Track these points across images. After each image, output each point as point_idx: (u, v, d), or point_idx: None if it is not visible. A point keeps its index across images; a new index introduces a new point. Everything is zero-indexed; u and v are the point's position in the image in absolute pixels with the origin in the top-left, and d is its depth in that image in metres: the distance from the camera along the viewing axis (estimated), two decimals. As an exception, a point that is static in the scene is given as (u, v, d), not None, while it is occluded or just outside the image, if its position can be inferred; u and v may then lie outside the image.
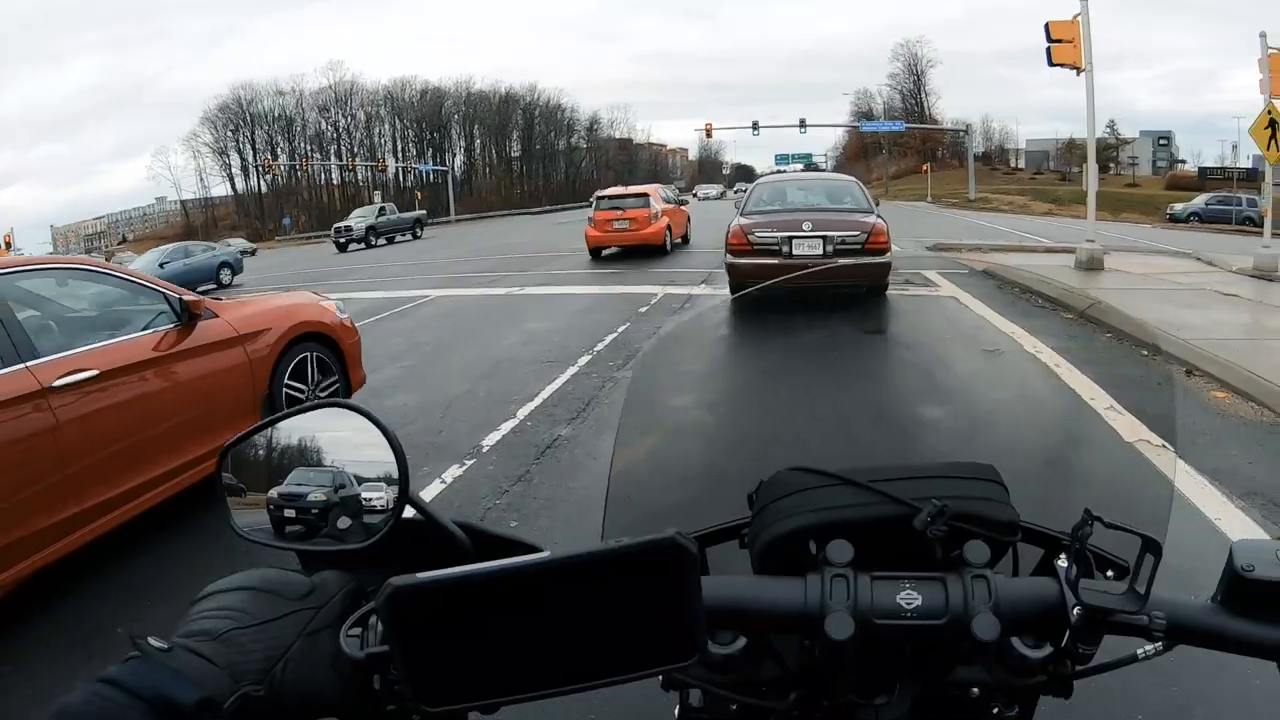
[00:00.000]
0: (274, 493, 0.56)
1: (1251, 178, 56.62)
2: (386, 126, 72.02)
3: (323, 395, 4.10)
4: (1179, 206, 35.03)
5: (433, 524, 0.56)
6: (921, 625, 0.51)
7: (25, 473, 2.59)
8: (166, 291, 3.45)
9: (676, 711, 0.63)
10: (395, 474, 0.54)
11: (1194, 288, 8.50)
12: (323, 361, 4.09)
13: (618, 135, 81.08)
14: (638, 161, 79.24)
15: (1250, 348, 5.52)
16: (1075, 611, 0.51)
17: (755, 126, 46.31)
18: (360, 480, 0.55)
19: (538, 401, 5.09)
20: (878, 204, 9.05)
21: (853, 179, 9.81)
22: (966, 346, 5.03)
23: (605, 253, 14.42)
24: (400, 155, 69.53)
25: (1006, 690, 0.58)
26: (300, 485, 0.56)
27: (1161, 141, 64.89)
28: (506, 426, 4.59)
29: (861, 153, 74.41)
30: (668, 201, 16.19)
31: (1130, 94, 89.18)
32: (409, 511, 0.56)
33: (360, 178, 66.20)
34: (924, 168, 58.71)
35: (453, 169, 67.70)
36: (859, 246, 7.50)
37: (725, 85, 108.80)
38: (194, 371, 3.33)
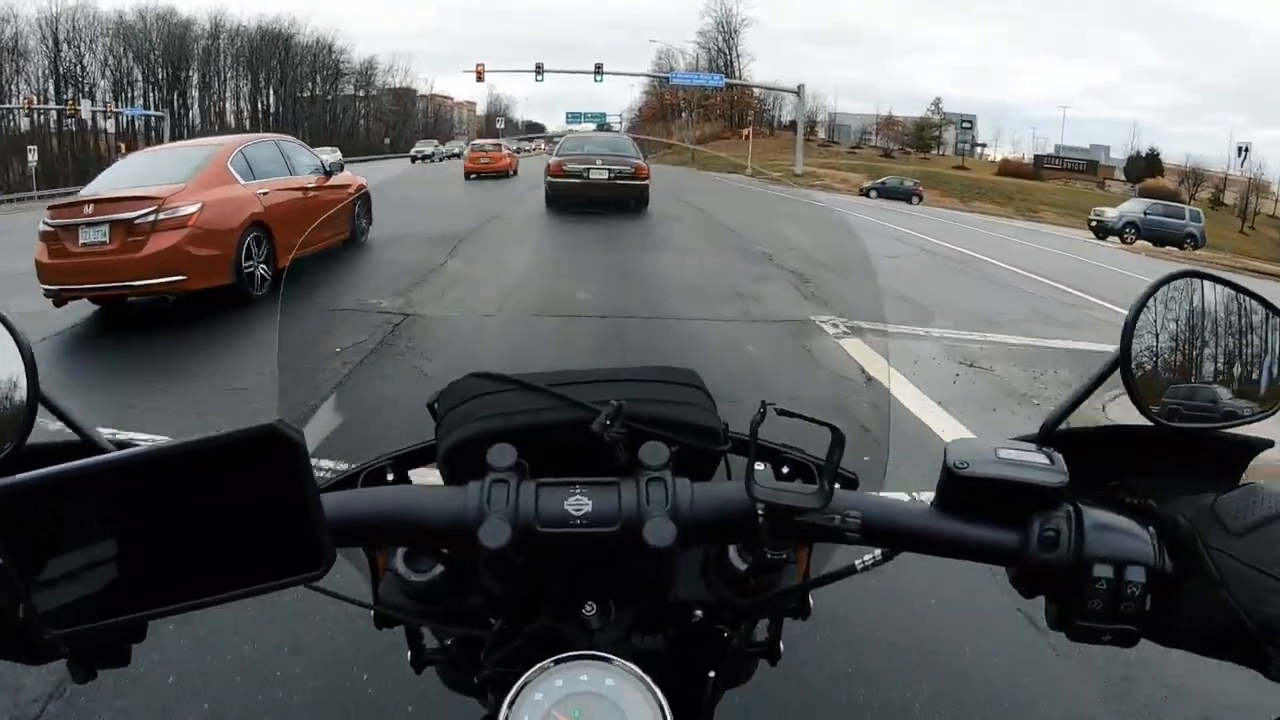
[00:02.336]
0: None
1: (1093, 169, 56.94)
2: (112, 61, 60.42)
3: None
4: (1111, 213, 27.77)
5: (81, 436, 0.53)
6: (592, 533, 0.49)
7: (295, 215, 6.74)
8: (320, 160, 7.63)
9: (409, 656, 0.63)
10: (26, 381, 0.51)
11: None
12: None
13: (397, 84, 75.26)
14: (411, 114, 75.42)
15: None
16: (760, 513, 0.48)
17: (539, 70, 42.23)
18: None
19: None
20: (647, 157, 14.72)
21: (628, 138, 15.12)
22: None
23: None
24: (129, 98, 59.65)
25: (733, 610, 0.57)
26: None
27: (965, 125, 65.23)
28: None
29: (661, 114, 70.63)
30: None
31: (923, 82, 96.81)
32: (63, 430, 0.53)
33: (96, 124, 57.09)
34: (745, 133, 55.13)
35: (174, 113, 59.27)
36: (631, 174, 12.67)
37: (520, 40, 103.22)
38: (327, 194, 7.52)
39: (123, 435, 0.55)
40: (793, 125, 65.81)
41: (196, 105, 64.30)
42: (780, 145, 54.75)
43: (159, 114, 55.97)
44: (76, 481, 0.38)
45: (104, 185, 6.52)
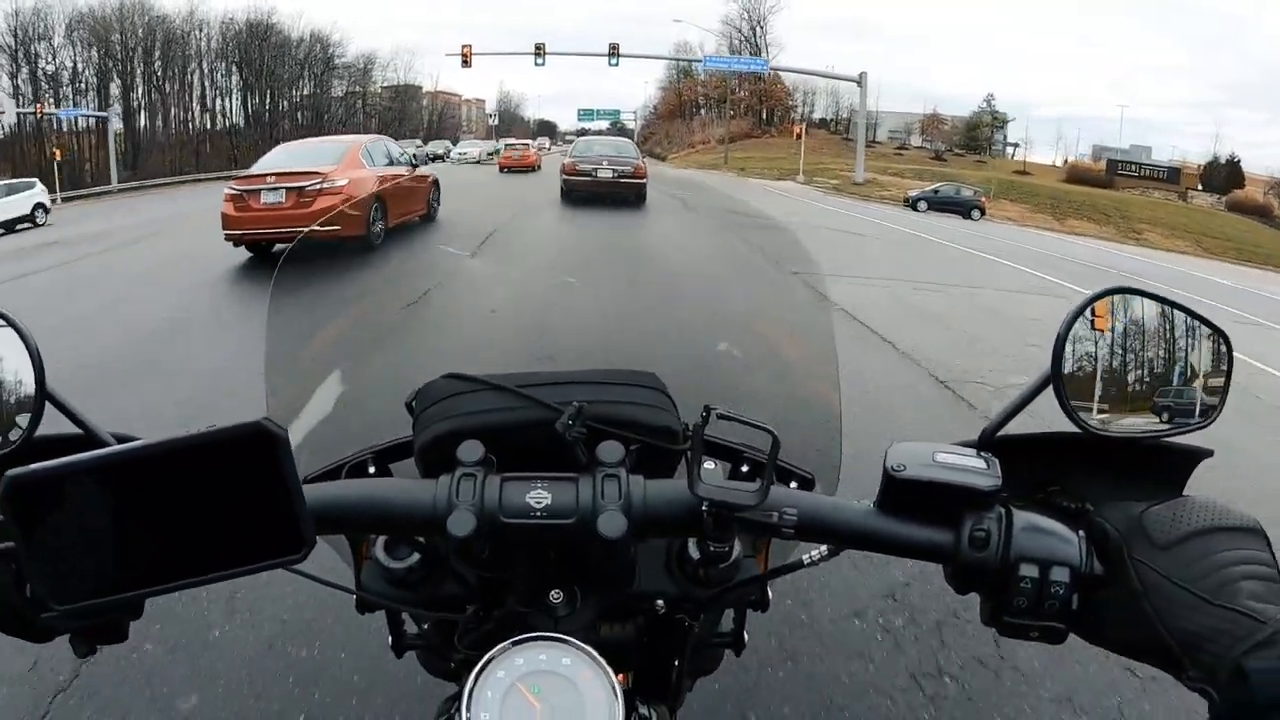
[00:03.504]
0: None
1: (1174, 178, 49.19)
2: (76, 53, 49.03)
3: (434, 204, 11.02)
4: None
5: (85, 430, 0.57)
6: (551, 524, 0.53)
7: (403, 196, 9.57)
8: (409, 157, 10.51)
9: (389, 640, 0.67)
10: (34, 378, 0.55)
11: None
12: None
13: (400, 81, 67.63)
14: (410, 111, 67.86)
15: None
16: (705, 510, 0.53)
17: (539, 52, 37.66)
18: (6, 386, 0.55)
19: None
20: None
21: (630, 141, 18.05)
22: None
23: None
24: (76, 97, 48.82)
25: (692, 601, 0.61)
26: None
27: (953, 123, 60.21)
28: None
29: (680, 111, 65.73)
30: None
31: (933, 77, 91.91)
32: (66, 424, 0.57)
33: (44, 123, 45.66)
34: (796, 131, 45.53)
35: (128, 114, 50.47)
36: (631, 174, 15.49)
37: (526, 30, 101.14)
38: (415, 182, 10.27)
39: (121, 430, 0.58)
40: (824, 124, 60.51)
41: (162, 102, 52.72)
42: (817, 145, 49.15)
43: (102, 114, 46.74)
44: (84, 472, 0.42)
45: (268, 165, 9.49)
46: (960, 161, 53.41)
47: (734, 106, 59.60)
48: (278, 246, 8.99)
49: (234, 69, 55.37)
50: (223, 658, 2.17)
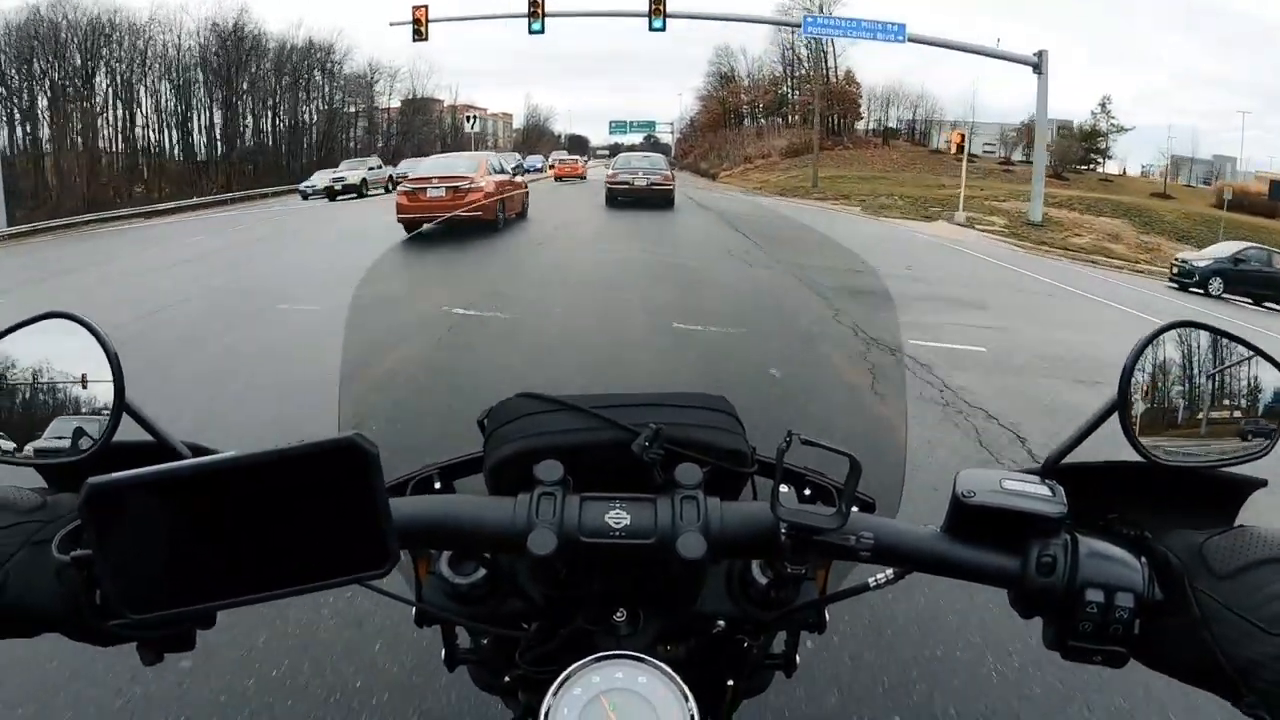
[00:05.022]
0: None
1: None
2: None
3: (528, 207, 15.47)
4: None
5: (157, 438, 0.58)
6: (629, 544, 0.54)
7: (514, 197, 14.41)
8: (513, 168, 15.36)
9: (443, 654, 0.67)
10: (113, 387, 0.56)
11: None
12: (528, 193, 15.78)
13: (417, 93, 57.13)
14: (414, 127, 56.93)
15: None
16: (783, 532, 0.53)
17: (535, 11, 28.33)
18: (83, 392, 0.57)
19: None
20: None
21: (662, 156, 23.57)
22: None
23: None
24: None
25: (753, 622, 0.62)
26: (22, 409, 0.58)
27: (1063, 132, 46.56)
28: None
29: (725, 120, 57.06)
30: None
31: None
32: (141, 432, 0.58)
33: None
34: (954, 141, 33.28)
35: (18, 140, 37.75)
36: (661, 182, 20.03)
37: (556, 55, 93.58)
38: (517, 188, 15.01)
39: (195, 440, 0.60)
40: (889, 132, 49.30)
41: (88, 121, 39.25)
42: (907, 160, 42.85)
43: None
44: (166, 483, 0.42)
45: (428, 170, 14.49)
46: (1082, 178, 42.44)
47: (792, 113, 51.74)
48: (425, 227, 13.61)
49: (196, 79, 43.72)
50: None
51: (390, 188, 25.11)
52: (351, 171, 30.65)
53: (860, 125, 51.18)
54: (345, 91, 51.43)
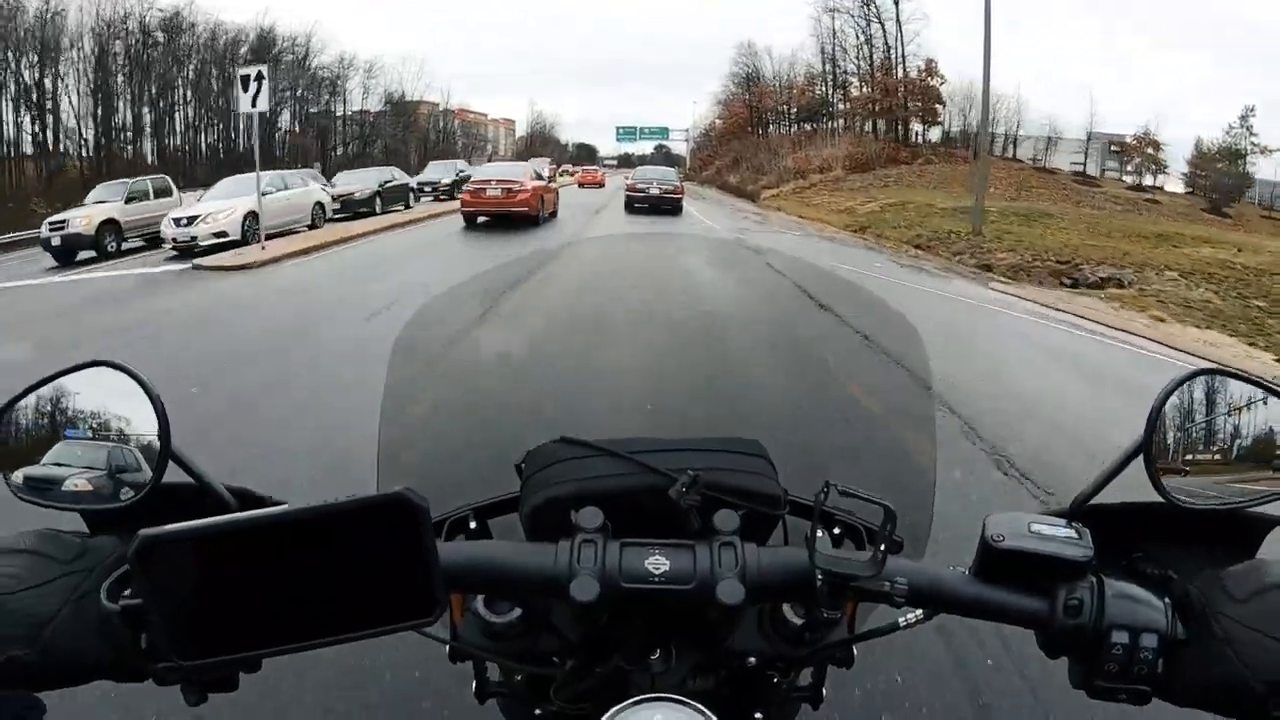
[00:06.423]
0: (42, 460, 0.58)
1: None
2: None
3: (547, 212, 19.38)
4: None
5: (202, 485, 0.59)
6: (669, 590, 0.55)
7: (549, 199, 19.11)
8: (544, 173, 20.25)
9: (474, 686, 0.68)
10: (158, 434, 0.57)
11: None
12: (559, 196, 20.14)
13: (411, 97, 51.71)
14: (408, 132, 51.23)
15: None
16: (819, 578, 0.54)
17: None
18: (126, 440, 0.58)
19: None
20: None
21: (673, 169, 28.11)
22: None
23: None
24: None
25: (784, 659, 0.64)
26: (66, 454, 0.59)
27: (1113, 149, 40.36)
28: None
29: (751, 125, 47.43)
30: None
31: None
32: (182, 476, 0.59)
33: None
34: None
35: None
36: (672, 191, 23.93)
37: (565, 60, 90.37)
38: (547, 189, 19.54)
39: (236, 484, 0.60)
40: (955, 142, 38.64)
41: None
42: (1017, 181, 33.96)
43: None
44: (217, 536, 0.43)
45: (488, 174, 18.78)
46: (1244, 217, 32.14)
47: (849, 116, 41.77)
48: (480, 219, 17.49)
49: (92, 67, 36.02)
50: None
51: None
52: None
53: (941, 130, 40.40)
54: (316, 88, 44.29)
